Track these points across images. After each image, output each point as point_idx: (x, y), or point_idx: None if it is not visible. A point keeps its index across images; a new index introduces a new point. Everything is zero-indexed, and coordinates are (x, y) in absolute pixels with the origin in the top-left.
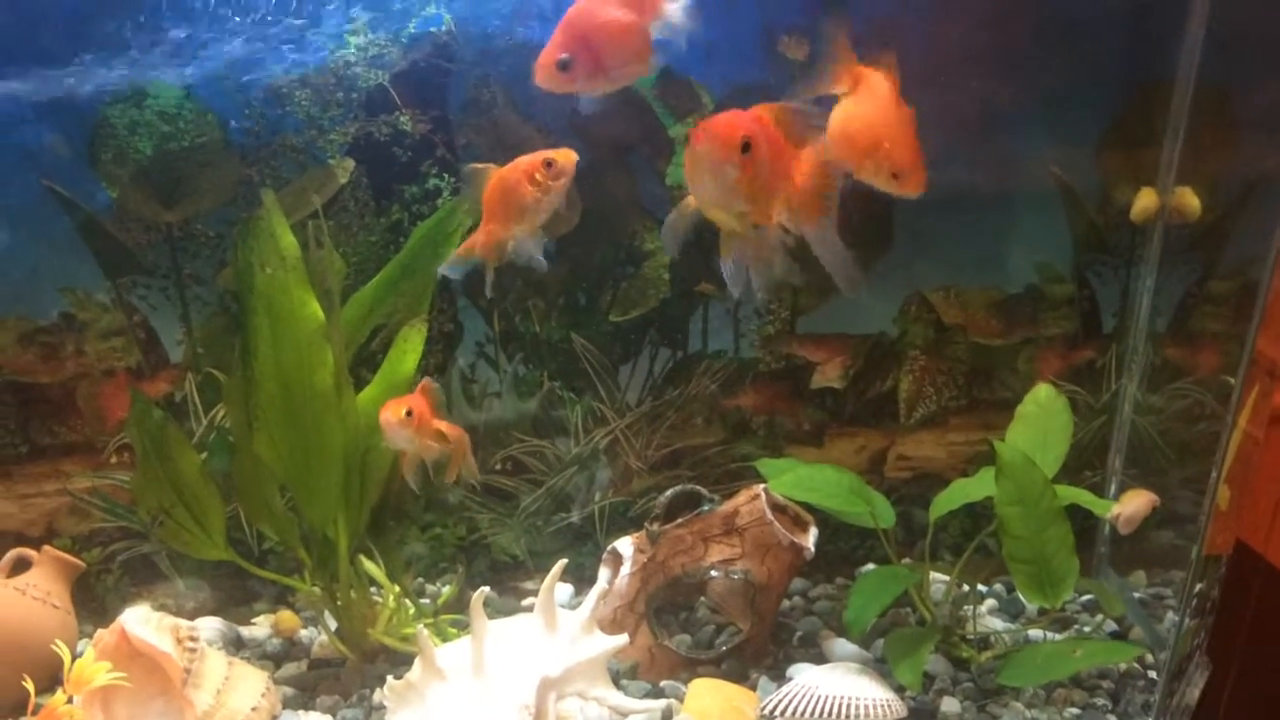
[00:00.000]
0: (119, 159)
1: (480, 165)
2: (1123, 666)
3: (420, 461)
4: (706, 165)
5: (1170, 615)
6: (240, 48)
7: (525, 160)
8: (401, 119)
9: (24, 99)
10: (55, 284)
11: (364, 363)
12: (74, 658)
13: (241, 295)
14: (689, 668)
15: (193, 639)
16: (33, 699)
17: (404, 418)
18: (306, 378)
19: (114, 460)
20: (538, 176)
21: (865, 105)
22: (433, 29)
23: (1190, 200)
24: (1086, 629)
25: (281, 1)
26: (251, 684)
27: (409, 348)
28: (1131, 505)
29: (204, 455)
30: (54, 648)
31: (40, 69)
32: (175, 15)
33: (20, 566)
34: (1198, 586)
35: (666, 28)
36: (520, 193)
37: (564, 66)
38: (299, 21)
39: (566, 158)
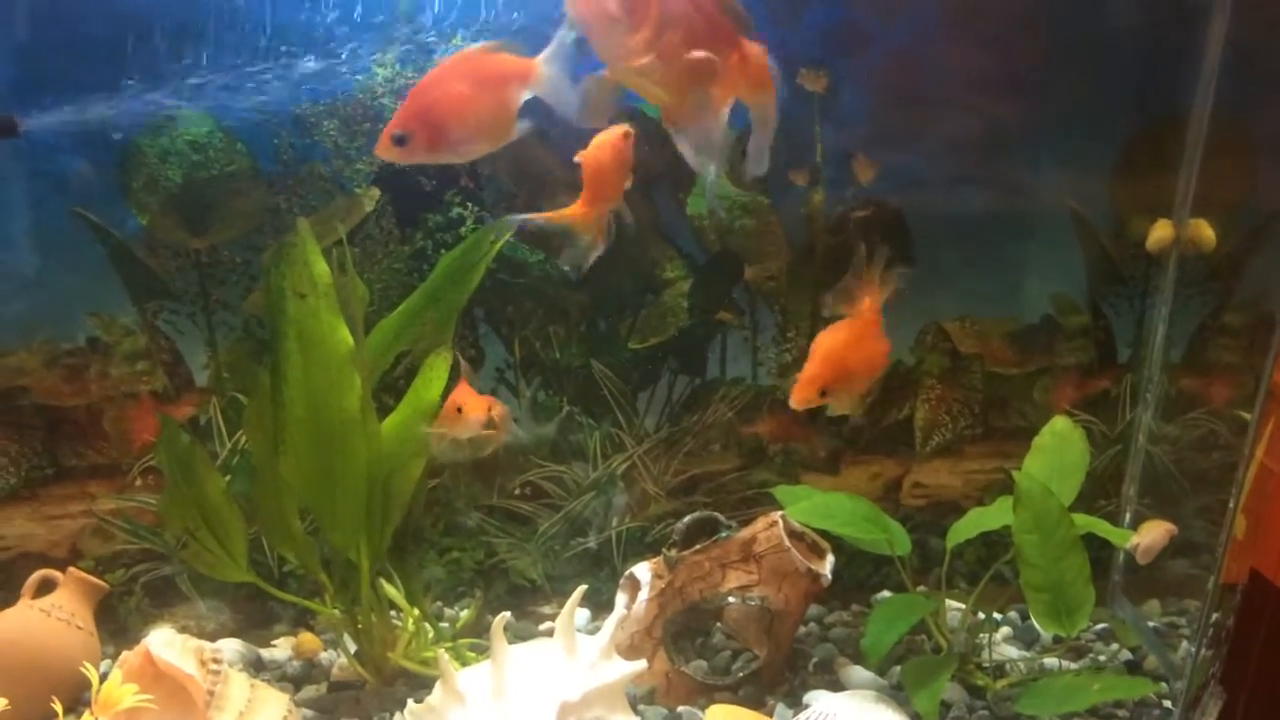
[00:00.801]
0: (150, 187)
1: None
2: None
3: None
4: (591, 25)
5: (1185, 644)
6: (270, 78)
7: (607, 137)
8: None
9: (57, 128)
10: (84, 309)
11: (385, 389)
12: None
13: (272, 320)
14: (706, 693)
15: (216, 661)
16: (60, 719)
17: (455, 414)
18: (335, 402)
19: (139, 483)
20: (621, 148)
21: (838, 337)
22: None
23: (1205, 232)
24: (1101, 658)
25: (311, 34)
26: (273, 707)
27: (434, 375)
28: (1150, 535)
29: (227, 478)
30: (82, 669)
31: (73, 99)
32: (206, 47)
33: (45, 588)
34: (1214, 616)
35: (543, 93)
36: (617, 165)
37: (399, 141)
38: (328, 53)
39: (631, 130)
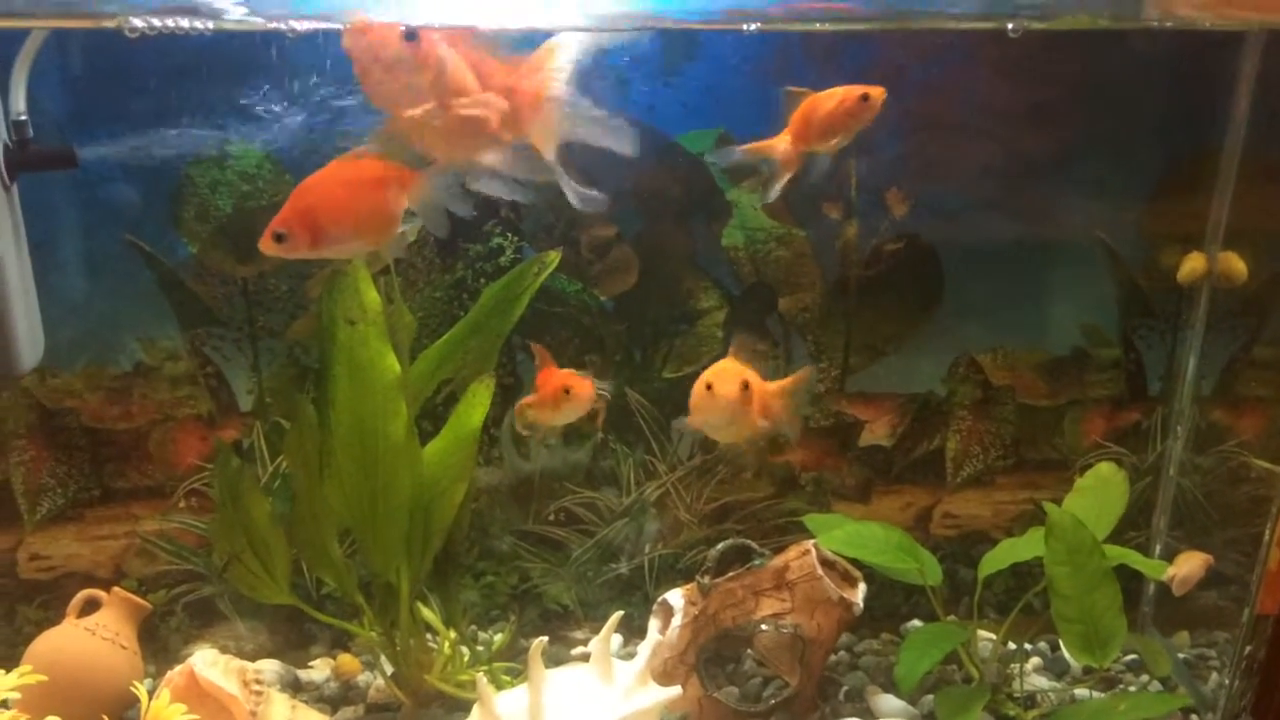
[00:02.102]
0: (200, 216)
1: (797, 89)
2: None
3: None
4: (370, 67)
5: (1215, 676)
6: (318, 111)
7: (841, 91)
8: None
9: (111, 159)
10: (133, 334)
11: (424, 415)
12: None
13: (322, 346)
14: None
15: (259, 682)
16: None
17: (564, 395)
18: (381, 427)
19: (182, 504)
20: (851, 107)
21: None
22: None
23: (1236, 264)
24: (1132, 689)
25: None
26: None
27: (477, 402)
28: (1187, 567)
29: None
30: (131, 688)
31: (127, 131)
32: (257, 80)
33: (90, 607)
34: (1247, 648)
35: (416, 206)
36: (832, 117)
37: (279, 239)
38: None
39: (879, 94)
